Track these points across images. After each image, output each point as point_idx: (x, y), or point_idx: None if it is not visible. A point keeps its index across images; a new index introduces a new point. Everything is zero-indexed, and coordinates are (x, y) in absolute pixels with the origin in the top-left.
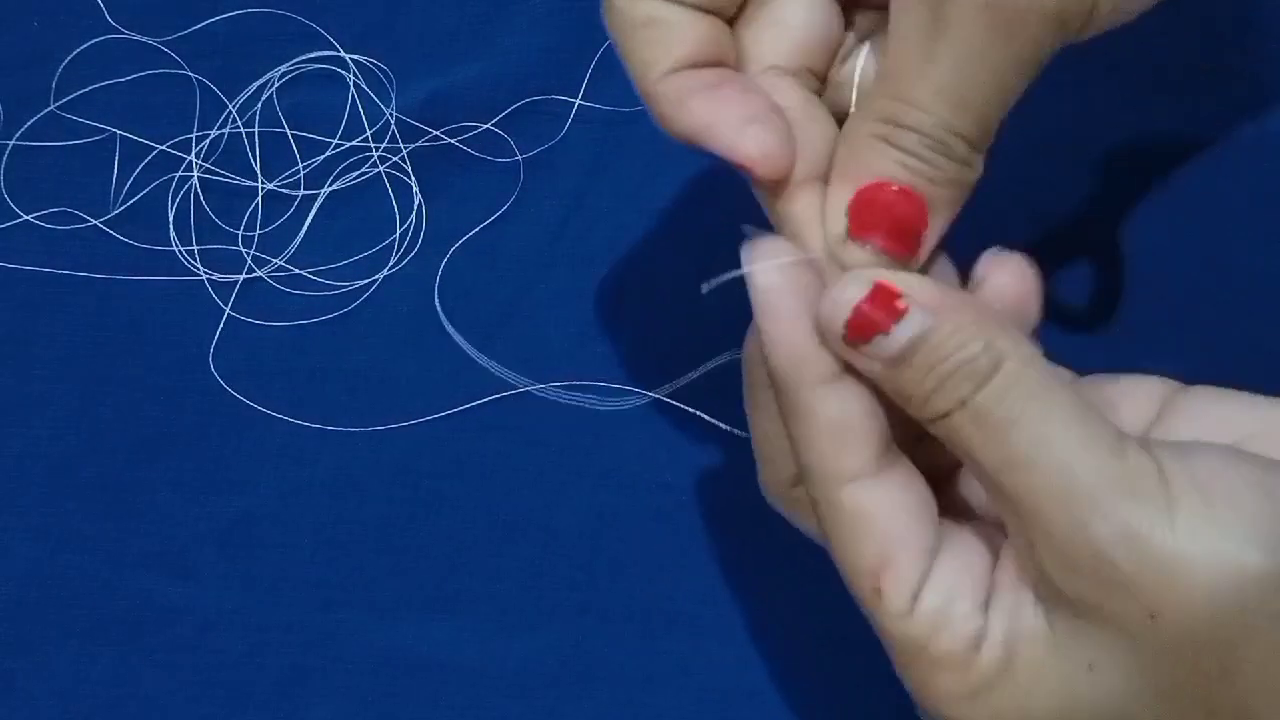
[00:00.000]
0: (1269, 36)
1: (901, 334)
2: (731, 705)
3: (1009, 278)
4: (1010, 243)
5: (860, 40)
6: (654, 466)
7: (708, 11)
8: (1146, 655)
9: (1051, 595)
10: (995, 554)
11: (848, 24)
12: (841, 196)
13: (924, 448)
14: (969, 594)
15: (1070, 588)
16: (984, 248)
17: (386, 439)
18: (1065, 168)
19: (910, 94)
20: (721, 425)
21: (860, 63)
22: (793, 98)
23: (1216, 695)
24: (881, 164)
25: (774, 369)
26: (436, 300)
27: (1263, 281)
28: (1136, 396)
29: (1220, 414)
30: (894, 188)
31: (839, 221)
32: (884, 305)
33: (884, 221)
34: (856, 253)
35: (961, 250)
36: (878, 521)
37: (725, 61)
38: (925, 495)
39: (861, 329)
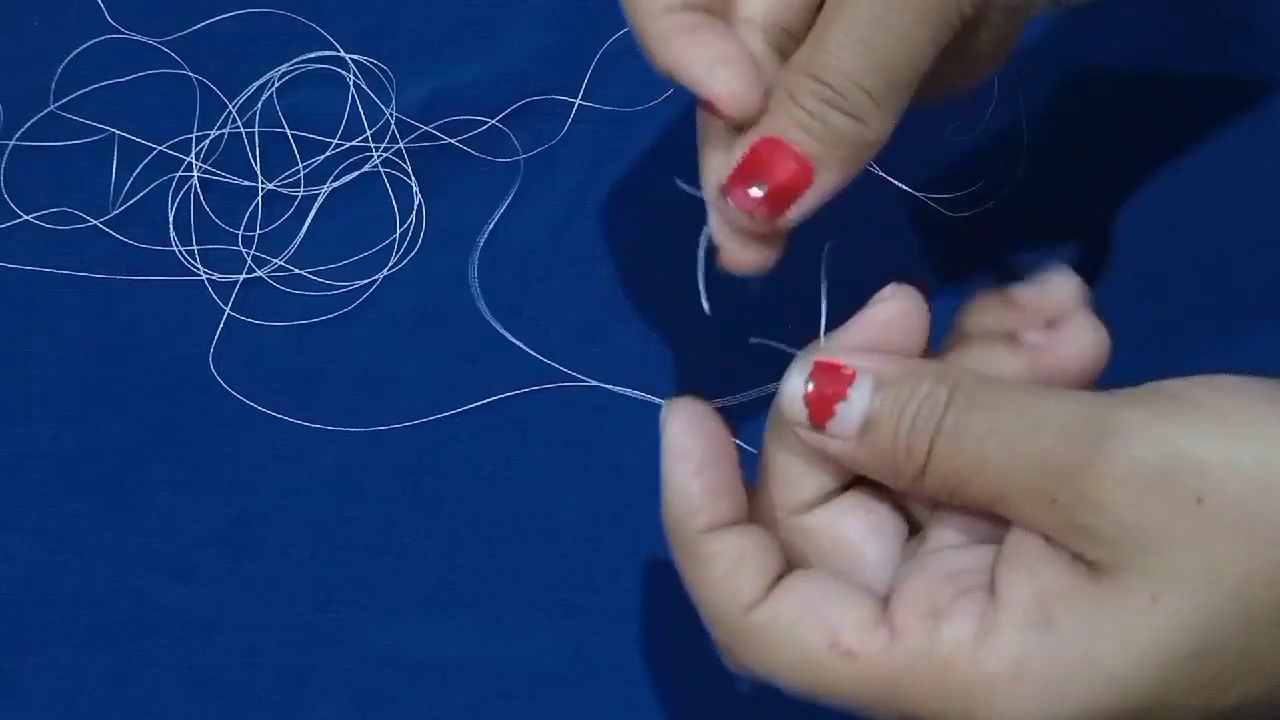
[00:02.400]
0: (1269, 36)
1: (859, 398)
2: (731, 705)
3: (900, 307)
4: (1010, 243)
5: None
6: (654, 466)
7: None
8: (1207, 551)
9: (1095, 551)
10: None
11: None
12: (740, 149)
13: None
14: (947, 585)
15: (1110, 521)
16: (984, 248)
17: (386, 439)
18: (1065, 168)
19: (824, 39)
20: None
21: None
22: (752, 50)
23: None
24: (779, 120)
25: (668, 511)
26: (475, 284)
27: (1263, 281)
28: None
29: None
30: (782, 144)
31: (723, 174)
32: (832, 379)
33: (761, 178)
34: (725, 208)
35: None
36: (797, 606)
37: (713, 7)
38: (886, 515)
39: (822, 406)
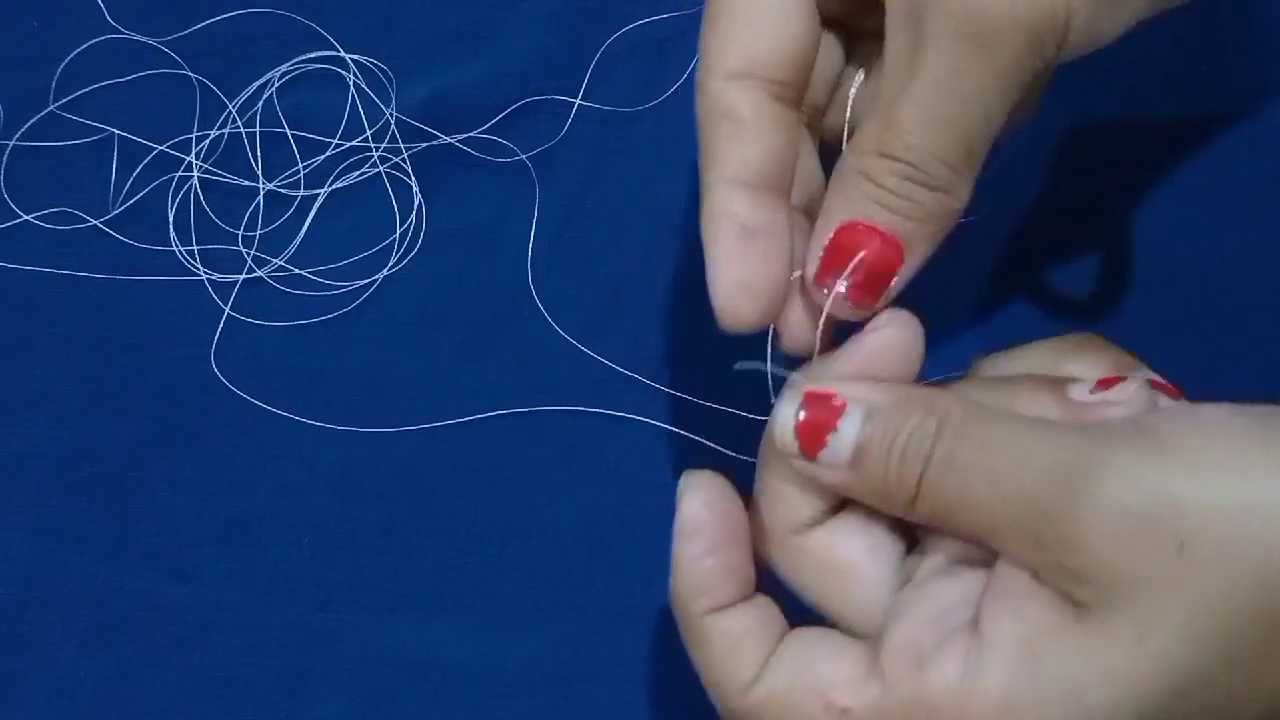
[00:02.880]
0: (1269, 36)
1: (849, 428)
2: None
3: (893, 335)
4: (1010, 242)
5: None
6: (654, 467)
7: (783, 101)
8: (1188, 593)
9: (1080, 592)
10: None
11: (849, 55)
12: (822, 237)
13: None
14: (933, 629)
15: (1092, 563)
16: (984, 250)
17: (386, 439)
18: (1065, 168)
19: (894, 116)
20: (729, 409)
21: (853, 91)
22: (746, 100)
23: (1269, 607)
24: (859, 204)
25: (675, 590)
26: (532, 289)
27: (1262, 280)
28: None
29: None
30: (869, 229)
31: (814, 264)
32: (823, 409)
33: (848, 266)
34: (820, 299)
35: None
36: (794, 672)
37: (782, 182)
38: (883, 534)
39: (813, 436)
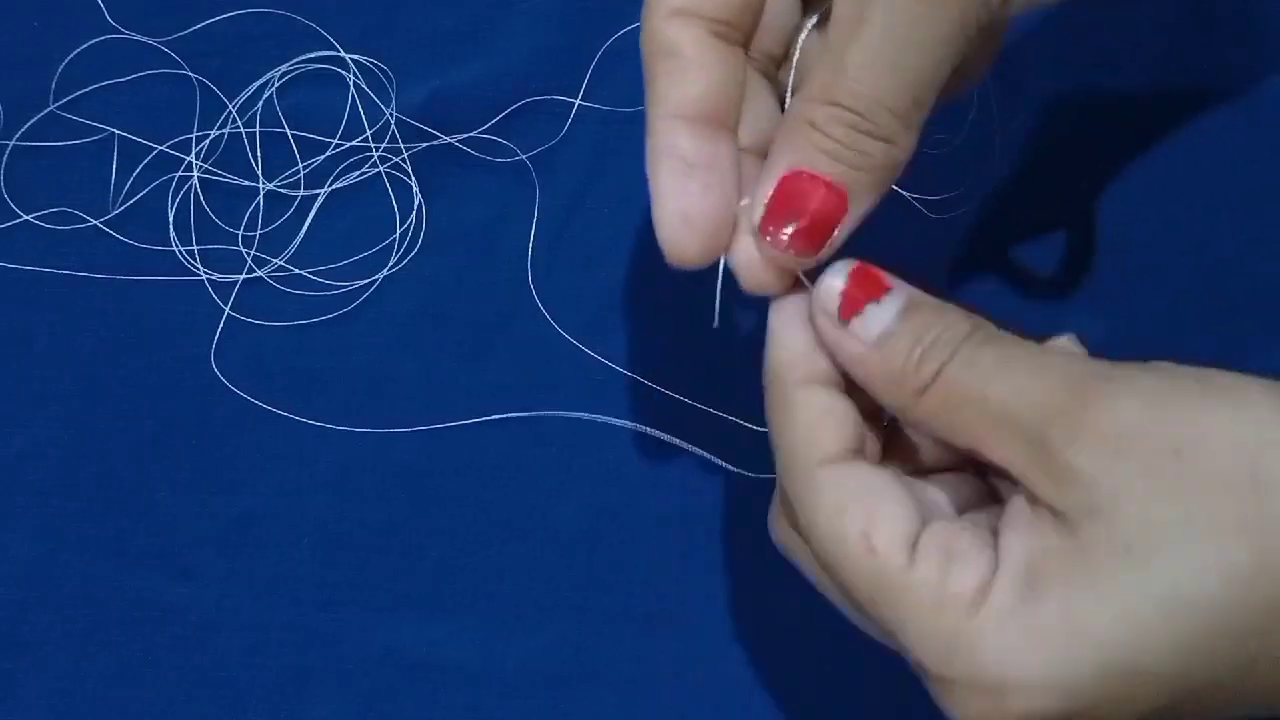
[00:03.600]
0: (1269, 36)
1: (891, 304)
2: (731, 705)
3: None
4: (1009, 242)
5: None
6: (654, 467)
7: (726, 40)
8: (1181, 502)
9: (1073, 498)
10: (989, 506)
11: (805, 6)
12: (767, 185)
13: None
14: (968, 533)
15: (1092, 463)
16: (983, 247)
17: (386, 439)
18: (1065, 167)
19: (843, 64)
20: (728, 416)
21: (801, 38)
22: (687, 36)
23: (1260, 519)
24: (805, 152)
25: (770, 362)
26: (532, 289)
27: (1261, 281)
28: None
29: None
30: (813, 178)
31: (759, 211)
32: (871, 283)
33: (797, 215)
34: (765, 247)
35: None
36: (861, 485)
37: (724, 116)
38: (904, 480)
39: (854, 302)
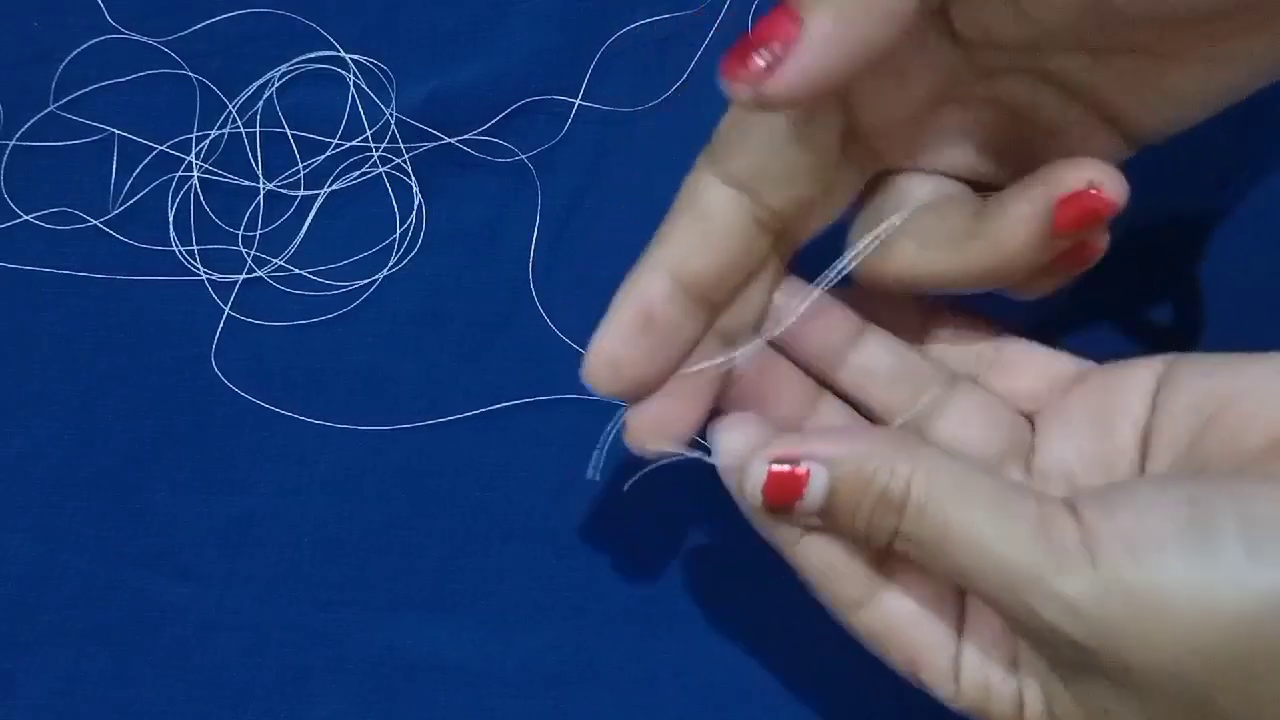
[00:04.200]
0: None
1: (815, 493)
2: (731, 705)
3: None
4: None
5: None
6: (654, 467)
7: (764, 228)
8: (1141, 700)
9: (1055, 662)
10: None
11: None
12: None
13: None
14: (999, 660)
15: (1058, 657)
16: None
17: (386, 439)
18: None
19: None
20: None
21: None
22: (729, 210)
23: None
24: None
25: (761, 531)
26: (532, 289)
27: (1261, 280)
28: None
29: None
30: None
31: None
32: (786, 479)
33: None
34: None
35: None
36: (893, 633)
37: (715, 299)
38: (933, 589)
39: (779, 502)
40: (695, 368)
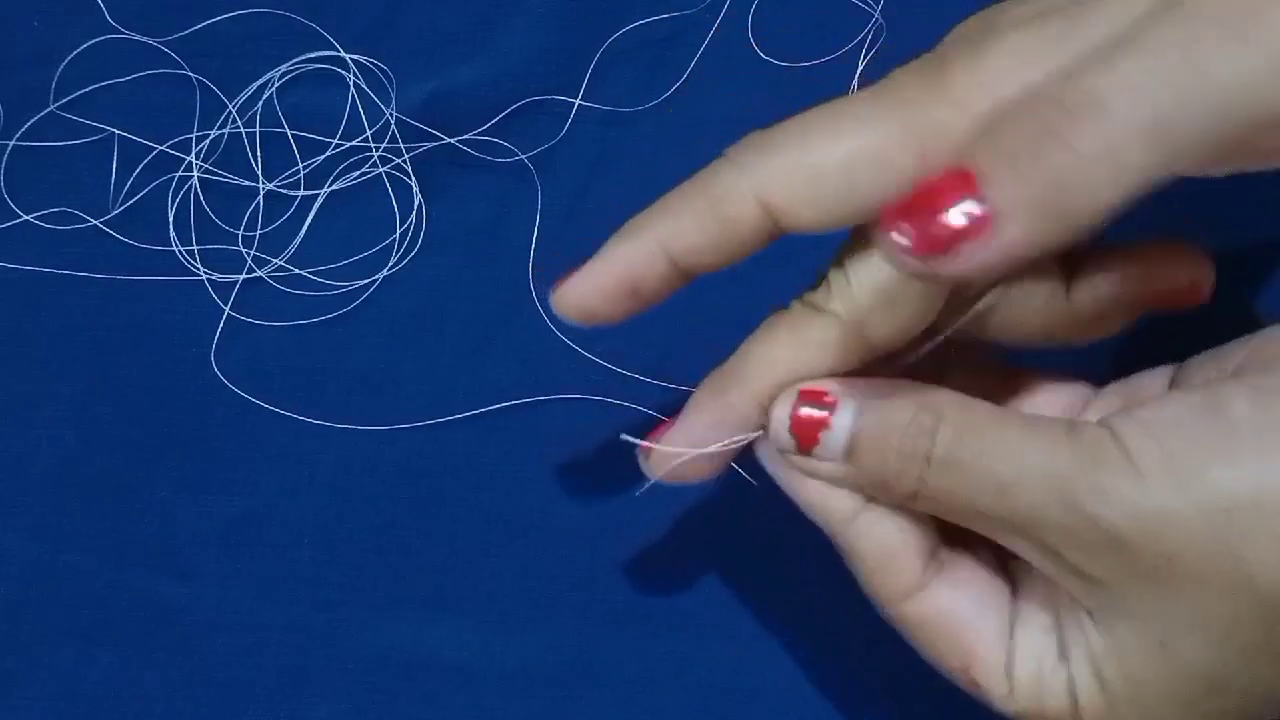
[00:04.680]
0: None
1: (842, 424)
2: (731, 705)
3: None
4: None
5: None
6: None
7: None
8: (1187, 598)
9: (1098, 600)
10: (1052, 602)
11: None
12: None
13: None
14: (1050, 649)
15: (1102, 570)
16: None
17: (386, 439)
18: None
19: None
20: None
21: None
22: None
23: (1257, 603)
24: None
25: (811, 516)
26: (532, 289)
27: (1262, 280)
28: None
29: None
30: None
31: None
32: (814, 405)
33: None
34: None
35: None
36: (947, 623)
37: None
38: (987, 579)
39: (806, 433)
40: (721, 446)
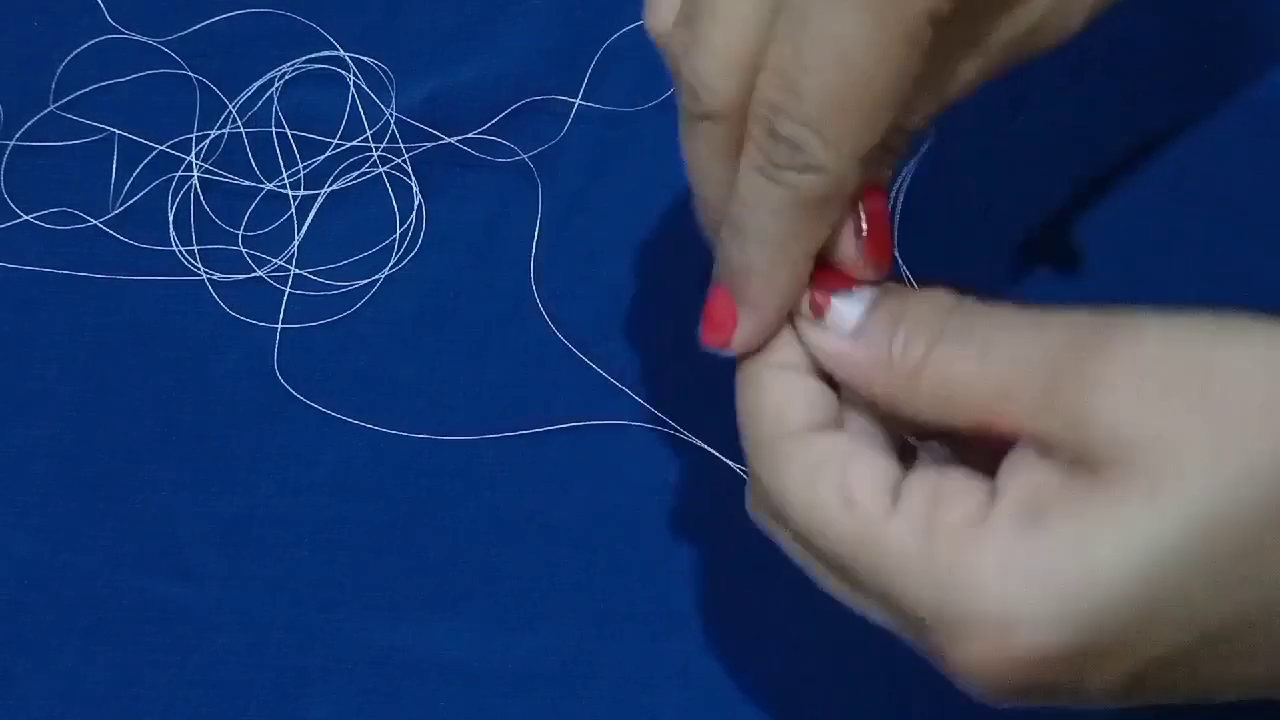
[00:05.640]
0: (1269, 36)
1: (861, 294)
2: (731, 705)
3: None
4: (1010, 242)
5: None
6: (654, 467)
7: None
8: (1215, 447)
9: (1094, 449)
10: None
11: None
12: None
13: None
14: (960, 472)
15: (1110, 427)
16: (984, 247)
17: (387, 439)
18: (1066, 166)
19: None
20: (729, 416)
21: None
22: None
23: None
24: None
25: (740, 350)
26: (533, 289)
27: (1261, 280)
28: None
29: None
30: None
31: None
32: (837, 279)
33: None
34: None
35: (960, 249)
36: (831, 447)
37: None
38: (867, 449)
39: (824, 293)
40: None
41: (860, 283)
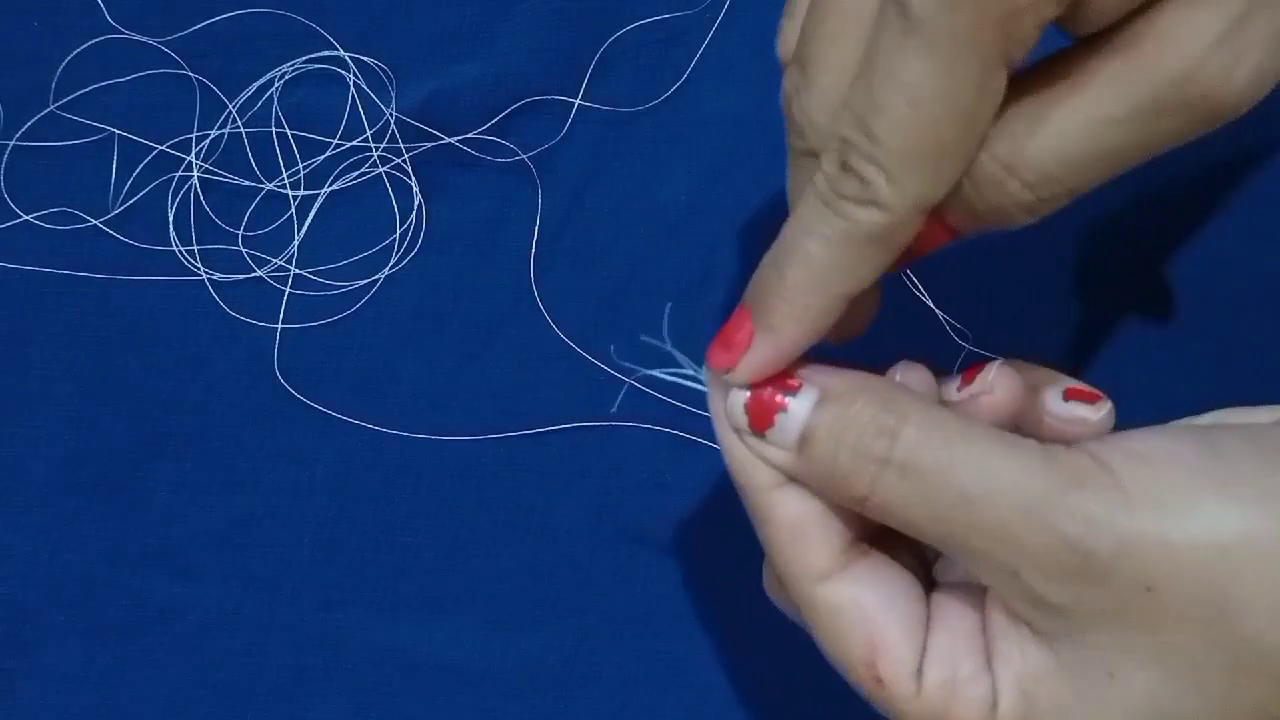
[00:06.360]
0: None
1: (799, 408)
2: (731, 705)
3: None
4: (1010, 241)
5: None
6: (653, 467)
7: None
8: (1155, 632)
9: (1049, 623)
10: (979, 610)
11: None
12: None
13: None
14: (970, 655)
15: (1064, 597)
16: (986, 251)
17: (387, 439)
18: None
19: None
20: None
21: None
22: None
23: (1232, 642)
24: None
25: (732, 476)
26: (533, 289)
27: (1261, 280)
28: None
29: None
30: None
31: None
32: (775, 385)
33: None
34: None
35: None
36: (859, 610)
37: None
38: (903, 576)
39: (762, 411)
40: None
41: (800, 388)
